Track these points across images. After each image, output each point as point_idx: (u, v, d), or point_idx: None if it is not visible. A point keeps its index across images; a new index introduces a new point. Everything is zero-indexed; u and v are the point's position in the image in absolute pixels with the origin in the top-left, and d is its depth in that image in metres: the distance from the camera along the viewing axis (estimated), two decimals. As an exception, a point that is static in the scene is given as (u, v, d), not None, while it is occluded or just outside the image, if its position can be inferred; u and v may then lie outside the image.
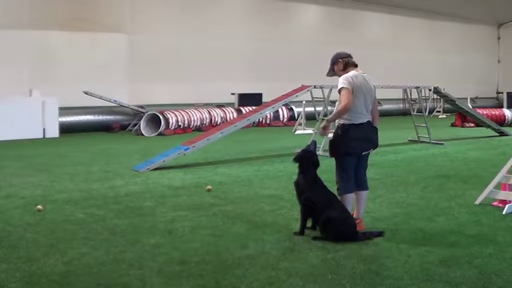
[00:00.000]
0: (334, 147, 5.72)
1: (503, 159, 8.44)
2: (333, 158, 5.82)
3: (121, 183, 8.36)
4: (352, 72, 5.68)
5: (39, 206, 6.64)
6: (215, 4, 20.78)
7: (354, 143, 5.62)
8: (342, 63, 5.80)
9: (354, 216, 5.72)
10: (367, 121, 5.70)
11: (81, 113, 16.86)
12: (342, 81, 5.60)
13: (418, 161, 10.86)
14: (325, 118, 5.76)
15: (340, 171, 5.71)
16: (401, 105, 24.05)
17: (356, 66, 5.80)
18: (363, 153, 5.77)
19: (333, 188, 5.76)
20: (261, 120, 18.51)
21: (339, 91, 5.63)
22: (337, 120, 5.78)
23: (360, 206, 5.84)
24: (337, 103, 5.73)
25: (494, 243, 5.31)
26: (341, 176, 5.70)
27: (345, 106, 5.50)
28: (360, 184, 5.82)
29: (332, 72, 5.93)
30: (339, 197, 5.66)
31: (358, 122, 5.62)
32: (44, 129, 15.24)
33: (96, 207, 6.76)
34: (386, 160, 10.89)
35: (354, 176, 5.72)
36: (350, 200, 5.70)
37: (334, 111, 5.79)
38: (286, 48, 22.32)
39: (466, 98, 24.58)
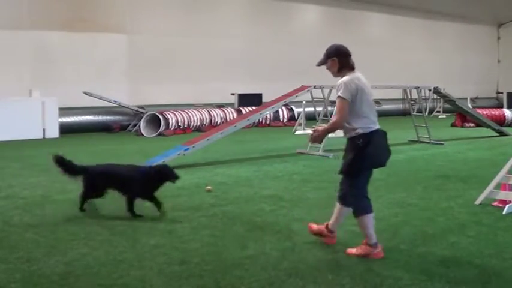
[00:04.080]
0: (358, 163, 4.85)
1: (503, 159, 8.43)
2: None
3: (121, 183, 8.33)
4: (355, 76, 4.91)
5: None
6: (215, 4, 20.78)
7: (380, 153, 4.93)
8: (338, 63, 4.97)
9: (329, 227, 5.18)
10: (379, 128, 4.97)
11: (81, 114, 16.85)
12: (343, 87, 4.81)
13: (418, 161, 10.86)
14: (321, 126, 5.08)
15: (357, 189, 4.95)
16: (401, 106, 24.05)
17: (353, 69, 4.99)
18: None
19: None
20: (261, 120, 18.51)
21: (336, 97, 4.88)
22: (347, 132, 4.96)
23: (340, 221, 5.22)
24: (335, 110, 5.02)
25: (494, 243, 5.31)
26: (359, 194, 4.95)
27: (336, 123, 4.87)
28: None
29: (324, 65, 5.10)
30: (358, 220, 4.99)
31: (375, 129, 4.90)
32: (44, 130, 15.23)
33: (96, 207, 6.76)
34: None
35: None
36: (371, 221, 4.96)
37: (330, 124, 4.98)
38: (286, 48, 22.33)
39: (466, 98, 24.59)
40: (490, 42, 31.16)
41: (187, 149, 10.08)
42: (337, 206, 5.12)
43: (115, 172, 6.57)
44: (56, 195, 7.51)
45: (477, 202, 6.88)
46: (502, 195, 6.68)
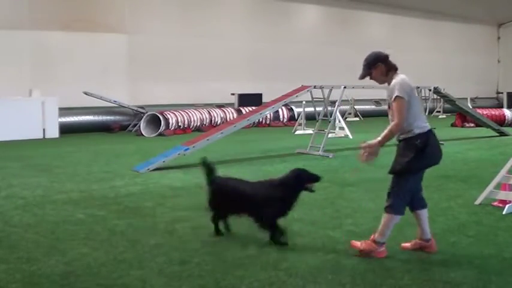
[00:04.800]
0: (417, 162, 4.76)
1: (503, 159, 8.43)
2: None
3: (121, 183, 8.36)
4: (403, 76, 4.90)
5: None
6: (215, 4, 20.79)
7: (436, 152, 4.87)
8: (384, 67, 4.91)
9: (424, 238, 5.00)
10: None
11: (81, 114, 16.87)
12: (399, 88, 4.75)
13: (418, 161, 10.85)
14: (375, 141, 4.81)
15: (406, 189, 4.83)
16: (401, 105, 24.04)
17: (397, 69, 4.96)
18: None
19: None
20: (261, 120, 18.52)
21: (394, 100, 4.75)
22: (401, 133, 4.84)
23: (427, 225, 5.04)
24: (390, 113, 4.77)
25: (494, 243, 5.31)
26: (404, 194, 4.83)
27: (398, 125, 4.72)
28: (422, 202, 5.03)
29: (367, 76, 5.01)
30: (385, 216, 4.85)
31: (429, 128, 4.87)
32: (44, 130, 15.24)
33: (96, 207, 6.76)
34: (387, 160, 10.87)
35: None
36: (395, 223, 4.89)
37: (387, 133, 4.78)
38: (286, 48, 22.34)
39: (466, 98, 24.59)
40: (490, 42, 31.17)
41: (187, 149, 10.08)
42: (416, 214, 5.02)
43: (237, 189, 5.40)
44: (56, 195, 7.51)
45: (477, 202, 6.88)
46: (502, 195, 6.67)
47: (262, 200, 5.14)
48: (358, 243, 4.95)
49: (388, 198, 4.88)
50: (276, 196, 5.10)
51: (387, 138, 4.81)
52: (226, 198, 5.39)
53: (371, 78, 5.02)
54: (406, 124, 4.77)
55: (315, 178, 5.16)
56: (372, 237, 4.91)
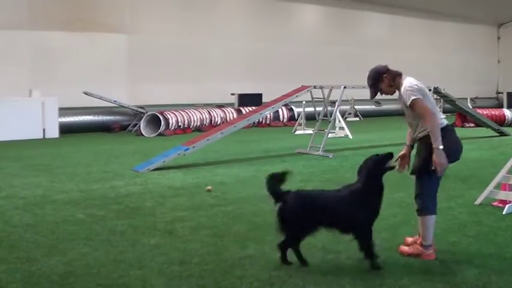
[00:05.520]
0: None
1: (503, 159, 8.43)
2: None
3: (121, 183, 8.36)
4: (409, 79, 4.90)
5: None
6: (215, 4, 20.80)
7: (456, 147, 4.85)
8: (389, 76, 4.91)
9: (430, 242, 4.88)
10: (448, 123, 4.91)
11: (81, 114, 16.87)
12: (409, 91, 4.73)
13: (418, 161, 10.84)
14: (437, 148, 4.63)
15: (434, 187, 4.84)
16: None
17: (401, 74, 4.96)
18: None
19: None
20: (261, 120, 18.51)
21: (411, 105, 4.72)
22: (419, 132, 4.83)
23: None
24: (409, 120, 4.93)
25: (494, 243, 5.31)
26: (433, 192, 4.85)
27: (435, 120, 4.64)
28: None
29: (378, 93, 5.01)
30: (421, 219, 4.83)
31: (445, 124, 4.83)
32: (44, 130, 15.24)
33: (96, 207, 6.76)
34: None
35: None
36: (433, 222, 4.86)
37: (431, 133, 4.64)
38: (286, 48, 22.34)
39: (466, 98, 24.58)
40: (490, 42, 31.17)
41: (187, 149, 10.08)
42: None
43: (322, 201, 4.75)
44: (56, 195, 7.51)
45: (477, 202, 6.88)
46: (502, 195, 6.67)
47: (354, 207, 4.58)
48: (406, 249, 4.95)
49: (417, 201, 4.86)
50: (365, 199, 4.61)
51: (437, 136, 4.63)
52: (312, 215, 4.61)
53: (382, 93, 5.03)
54: (421, 122, 4.77)
55: (389, 155, 4.76)
56: (419, 241, 4.92)
